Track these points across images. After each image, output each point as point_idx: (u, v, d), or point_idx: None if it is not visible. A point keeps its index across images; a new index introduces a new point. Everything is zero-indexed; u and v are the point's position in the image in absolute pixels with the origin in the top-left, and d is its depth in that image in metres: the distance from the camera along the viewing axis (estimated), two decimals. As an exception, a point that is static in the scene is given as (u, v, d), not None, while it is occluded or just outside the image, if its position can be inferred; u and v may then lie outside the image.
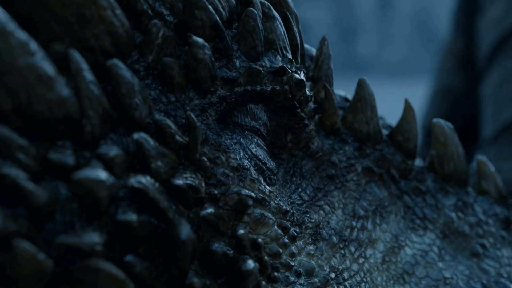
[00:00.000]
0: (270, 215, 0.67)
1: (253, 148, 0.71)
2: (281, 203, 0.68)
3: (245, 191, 0.68)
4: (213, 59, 0.67)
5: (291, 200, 0.71)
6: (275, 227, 0.67)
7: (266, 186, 0.68)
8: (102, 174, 0.58)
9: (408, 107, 0.80)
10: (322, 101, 0.78)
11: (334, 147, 0.78)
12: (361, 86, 0.79)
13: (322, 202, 0.74)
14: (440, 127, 0.84)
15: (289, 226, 0.68)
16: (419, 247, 0.77)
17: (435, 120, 0.84)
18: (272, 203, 0.67)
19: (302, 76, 0.74)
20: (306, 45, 0.84)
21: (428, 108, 1.79)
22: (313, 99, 0.78)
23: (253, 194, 0.68)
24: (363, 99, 0.79)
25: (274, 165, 0.74)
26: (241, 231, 0.67)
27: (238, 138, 0.70)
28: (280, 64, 0.71)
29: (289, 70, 0.72)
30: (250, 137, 0.71)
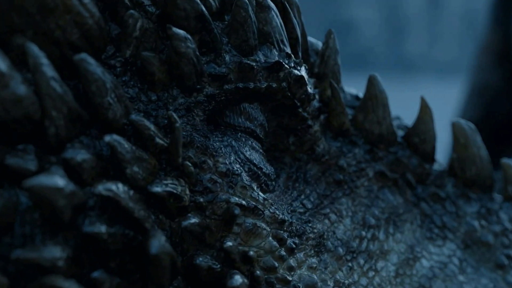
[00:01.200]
0: (264, 225, 0.63)
1: (246, 151, 0.66)
2: (277, 211, 0.64)
3: (235, 199, 0.63)
4: (198, 53, 0.62)
5: (292, 208, 0.67)
6: (270, 238, 0.63)
7: (260, 193, 0.64)
8: (59, 181, 0.52)
9: (424, 106, 0.76)
10: (328, 100, 0.74)
11: (343, 149, 0.73)
12: (372, 83, 0.75)
13: (328, 210, 0.69)
14: (460, 127, 0.78)
15: (286, 237, 0.64)
16: (437, 258, 0.73)
17: (454, 119, 0.78)
18: (266, 211, 0.63)
19: (302, 72, 0.69)
20: (311, 39, 0.78)
21: (464, 107, 1.73)
22: (317, 97, 0.73)
23: (244, 202, 0.63)
24: (374, 97, 0.74)
25: (272, 170, 0.69)
26: (229, 243, 0.61)
27: (229, 140, 0.65)
28: (276, 58, 0.66)
29: (286, 66, 0.66)
30: (243, 139, 0.65)
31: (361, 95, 0.80)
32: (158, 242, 0.55)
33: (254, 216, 0.63)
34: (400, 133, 0.78)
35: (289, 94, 0.67)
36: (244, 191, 0.63)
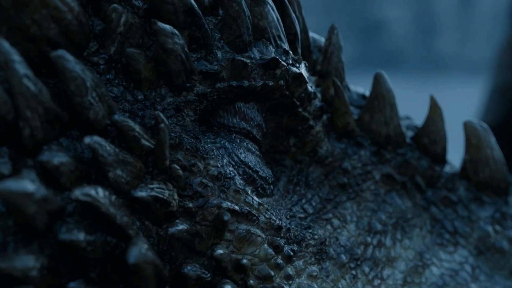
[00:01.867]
0: (258, 231, 0.60)
1: (241, 153, 0.63)
2: (273, 217, 0.62)
3: (227, 204, 0.59)
4: (187, 49, 0.59)
5: (291, 214, 0.65)
6: (265, 245, 0.61)
7: (255, 198, 0.61)
8: (29, 186, 0.49)
9: (434, 105, 0.74)
10: (332, 99, 0.71)
11: (347, 151, 0.71)
12: (378, 82, 0.72)
13: (331, 215, 0.67)
14: (472, 128, 0.74)
15: (283, 244, 0.62)
16: (448, 265, 0.71)
17: (466, 120, 0.75)
18: (261, 217, 0.61)
19: (301, 70, 0.66)
20: (313, 35, 0.74)
21: (486, 107, 1.69)
22: (319, 96, 0.69)
23: (236, 207, 0.60)
24: (380, 96, 0.72)
25: (270, 173, 0.66)
26: (220, 251, 0.58)
27: (222, 142, 0.62)
28: (272, 55, 0.62)
29: (283, 63, 0.63)
30: (238, 141, 0.63)
31: (368, 94, 0.77)
32: (138, 251, 0.52)
33: (248, 222, 0.60)
34: (410, 134, 0.75)
35: (288, 93, 0.65)
36: (237, 196, 0.60)
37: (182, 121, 0.59)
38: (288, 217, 0.64)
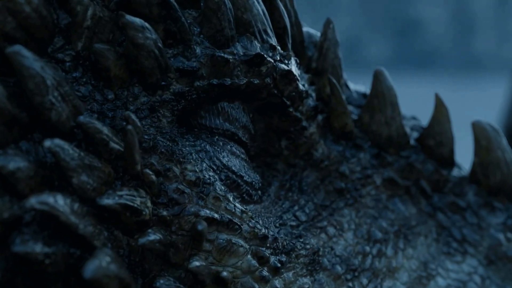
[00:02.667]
0: (241, 241, 0.57)
1: (224, 157, 0.59)
2: (258, 225, 0.58)
3: (206, 212, 0.56)
4: (161, 45, 0.55)
5: (281, 222, 0.62)
6: (248, 256, 0.57)
7: (238, 205, 0.58)
8: None
9: (439, 105, 0.69)
10: (328, 98, 0.67)
11: (345, 154, 0.68)
12: (378, 79, 0.68)
13: (326, 223, 0.64)
14: (481, 128, 0.70)
15: (268, 255, 0.58)
16: (455, 276, 0.67)
17: (474, 120, 0.70)
18: (244, 226, 0.58)
19: (291, 67, 0.62)
20: (308, 30, 0.70)
21: (508, 110, 1.63)
22: (313, 95, 0.66)
23: (216, 216, 0.56)
24: (380, 95, 0.68)
25: (257, 178, 0.62)
26: (196, 263, 0.54)
27: (203, 144, 0.58)
28: (258, 51, 0.59)
29: (269, 59, 0.59)
30: (221, 144, 0.59)
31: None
32: (97, 264, 0.48)
33: (229, 231, 0.57)
34: (415, 135, 0.71)
35: (276, 92, 0.61)
36: (217, 203, 0.57)
37: (157, 122, 0.56)
38: (277, 225, 0.61)
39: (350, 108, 0.70)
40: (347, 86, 0.71)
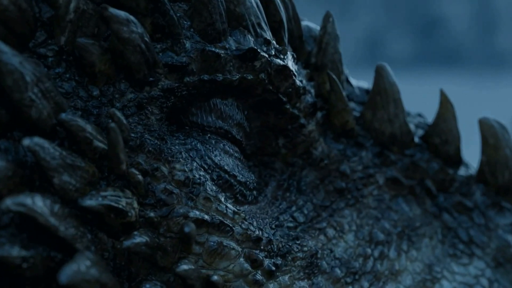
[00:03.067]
0: (232, 243, 0.55)
1: (216, 156, 0.57)
2: (251, 227, 0.57)
3: (195, 213, 0.54)
4: (148, 39, 0.53)
5: (278, 223, 0.60)
6: (241, 259, 0.55)
7: (230, 206, 0.56)
8: None
9: (444, 101, 0.68)
10: (328, 95, 0.65)
11: (346, 153, 0.66)
12: (380, 75, 0.66)
13: (325, 224, 0.62)
14: (488, 125, 0.68)
15: (262, 258, 0.56)
16: (461, 279, 0.65)
17: (481, 117, 0.68)
18: (237, 228, 0.56)
19: (287, 62, 0.60)
20: (308, 24, 0.68)
21: None
22: (311, 91, 0.63)
23: (206, 217, 0.54)
24: (383, 91, 0.66)
25: (252, 178, 0.60)
26: (185, 267, 0.52)
27: (194, 143, 0.56)
28: (251, 45, 0.57)
29: (263, 54, 0.58)
30: (213, 142, 0.58)
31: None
32: (75, 268, 0.46)
33: (220, 233, 0.55)
34: (420, 133, 0.70)
35: (271, 88, 0.59)
36: (207, 204, 0.55)
37: (145, 119, 0.54)
38: (273, 226, 0.59)
39: (352, 105, 0.68)
40: (348, 82, 0.69)
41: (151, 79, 0.54)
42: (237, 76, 0.57)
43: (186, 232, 0.51)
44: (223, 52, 0.56)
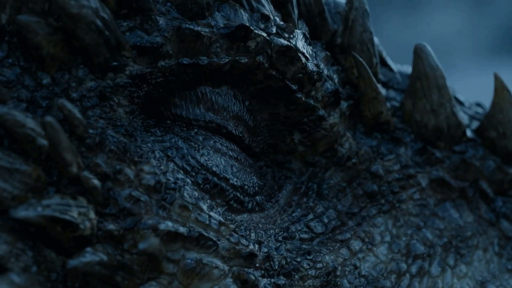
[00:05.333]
0: (216, 261, 0.50)
1: (203, 155, 0.52)
2: (243, 241, 0.51)
3: (167, 225, 0.48)
4: (105, 15, 0.48)
5: (287, 234, 0.55)
6: (227, 280, 0.50)
7: (214, 215, 0.51)
8: None
9: (500, 88, 0.62)
10: (357, 81, 0.60)
11: (380, 150, 0.61)
12: (419, 57, 0.60)
13: (349, 235, 0.57)
14: None
15: (256, 277, 0.51)
16: None
17: None
18: (223, 242, 0.50)
19: (294, 42, 0.54)
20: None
21: None
22: (329, 77, 0.58)
23: (182, 230, 0.49)
24: (423, 76, 0.60)
25: (253, 181, 0.55)
26: None
27: (174, 140, 0.51)
28: (242, 22, 0.51)
29: (259, 32, 0.52)
30: (201, 139, 0.53)
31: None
32: None
33: (199, 248, 0.49)
34: (476, 125, 0.65)
35: (275, 73, 0.54)
36: (184, 213, 0.49)
37: (110, 112, 0.49)
38: (279, 239, 0.54)
39: (392, 93, 0.63)
40: (387, 66, 0.64)
41: (114, 63, 0.49)
42: (227, 59, 0.52)
43: (141, 249, 0.45)
44: (206, 30, 0.51)
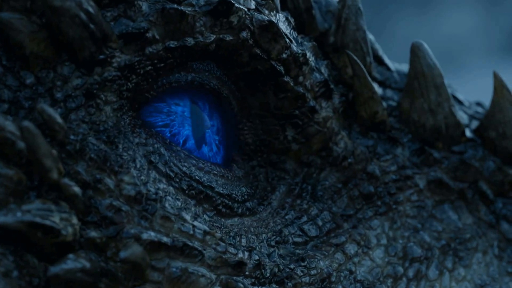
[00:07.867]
0: (202, 270, 0.50)
1: (184, 166, 0.52)
2: (230, 249, 0.51)
3: (150, 235, 0.48)
4: (89, 7, 0.48)
5: (280, 238, 0.54)
6: None
7: (198, 225, 0.50)
8: None
9: (499, 86, 0.61)
10: (352, 80, 0.60)
11: (377, 150, 0.60)
12: (416, 56, 0.59)
13: (344, 238, 0.57)
14: None
15: (244, 286, 0.51)
16: None
17: None
18: (209, 251, 0.50)
19: (274, 20, 0.54)
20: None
21: None
22: (315, 68, 0.57)
23: (166, 240, 0.49)
24: (420, 75, 0.60)
25: (242, 192, 0.55)
26: None
27: (157, 146, 0.51)
28: None
29: (239, 6, 0.52)
30: (183, 155, 0.53)
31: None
32: None
33: (185, 257, 0.49)
34: (475, 125, 0.64)
35: (259, 52, 0.54)
36: (167, 224, 0.49)
37: (95, 114, 0.48)
38: (272, 243, 0.54)
39: (389, 93, 0.63)
40: (384, 65, 0.63)
41: (101, 57, 0.48)
42: (212, 38, 0.51)
43: (123, 257, 0.45)
44: (189, 9, 0.50)
